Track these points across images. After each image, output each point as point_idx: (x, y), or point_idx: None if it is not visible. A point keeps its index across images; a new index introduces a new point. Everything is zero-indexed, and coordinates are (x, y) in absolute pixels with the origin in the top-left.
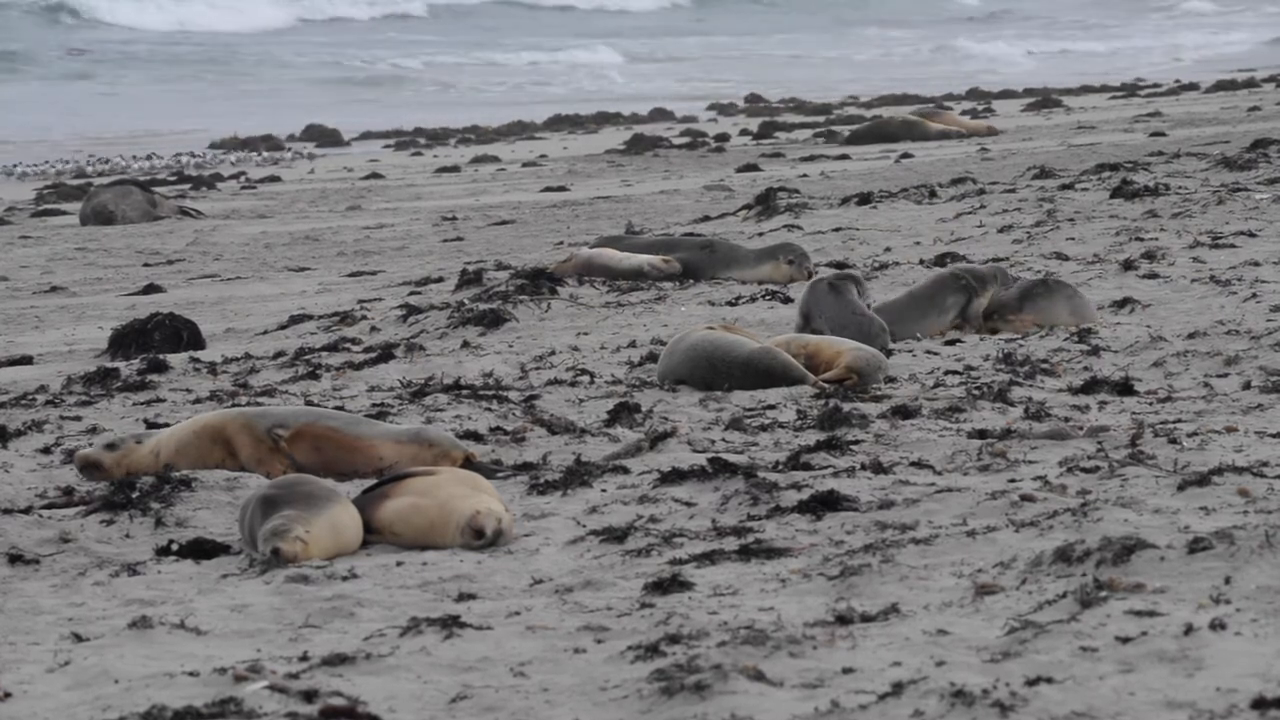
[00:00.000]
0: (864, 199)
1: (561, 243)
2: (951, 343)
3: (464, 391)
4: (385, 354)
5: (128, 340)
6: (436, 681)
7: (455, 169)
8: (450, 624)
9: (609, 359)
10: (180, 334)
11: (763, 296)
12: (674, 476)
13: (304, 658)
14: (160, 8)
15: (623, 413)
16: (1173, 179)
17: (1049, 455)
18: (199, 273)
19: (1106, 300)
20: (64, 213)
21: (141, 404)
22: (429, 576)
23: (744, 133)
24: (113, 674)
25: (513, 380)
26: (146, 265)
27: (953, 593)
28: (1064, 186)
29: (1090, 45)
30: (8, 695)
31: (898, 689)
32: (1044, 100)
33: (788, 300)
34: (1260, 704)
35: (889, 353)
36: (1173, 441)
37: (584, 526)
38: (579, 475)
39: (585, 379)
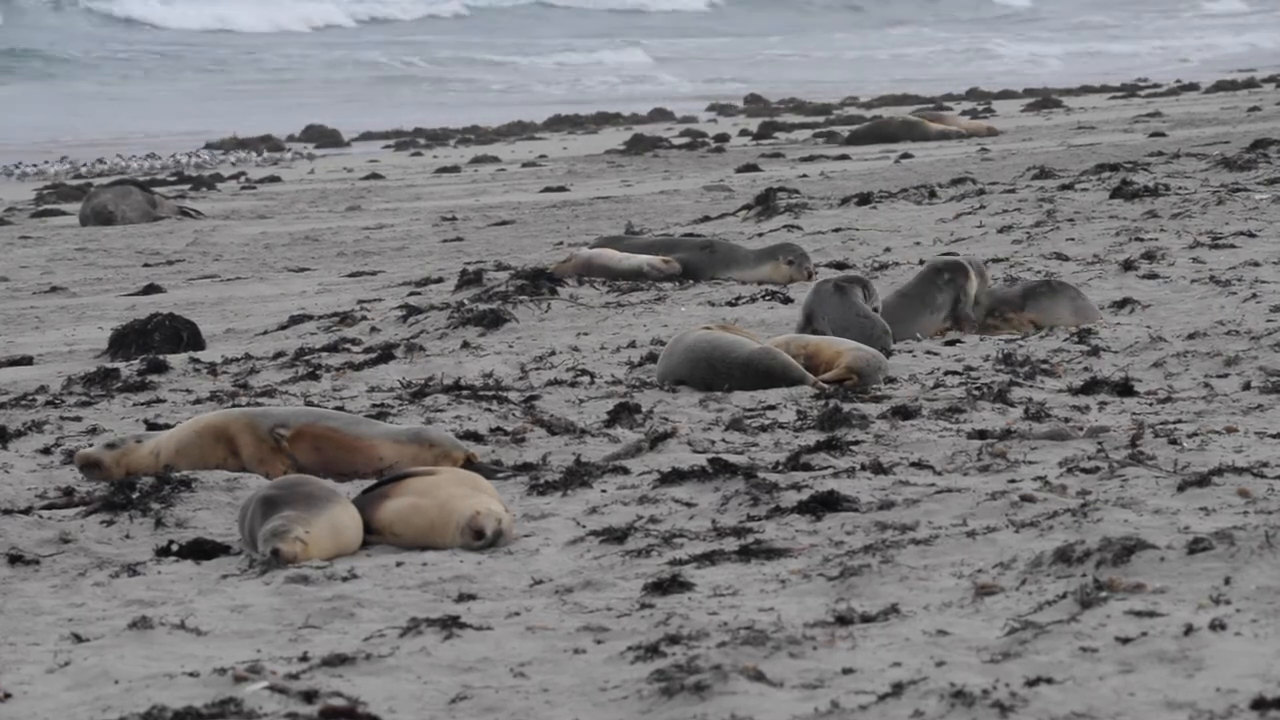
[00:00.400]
0: (864, 199)
1: (561, 243)
2: (951, 343)
3: (464, 392)
4: (385, 354)
5: (128, 341)
6: (436, 682)
7: (455, 169)
8: (450, 624)
9: (609, 359)
10: (180, 334)
11: (763, 297)
12: (674, 477)
13: (304, 658)
14: (192, 4)
15: (623, 413)
16: (1173, 179)
17: (1049, 456)
18: (199, 273)
19: (1106, 300)
20: (64, 213)
21: (141, 404)
22: (429, 577)
23: (744, 133)
24: (113, 674)
25: (513, 381)
26: (146, 266)
27: (953, 593)
28: (1064, 187)
29: (1115, 47)
30: (8, 696)
31: (898, 689)
32: (1044, 100)
33: (788, 301)
34: (1260, 704)
35: (889, 353)
36: (1173, 442)
37: (584, 527)
38: (579, 476)
39: (585, 379)
